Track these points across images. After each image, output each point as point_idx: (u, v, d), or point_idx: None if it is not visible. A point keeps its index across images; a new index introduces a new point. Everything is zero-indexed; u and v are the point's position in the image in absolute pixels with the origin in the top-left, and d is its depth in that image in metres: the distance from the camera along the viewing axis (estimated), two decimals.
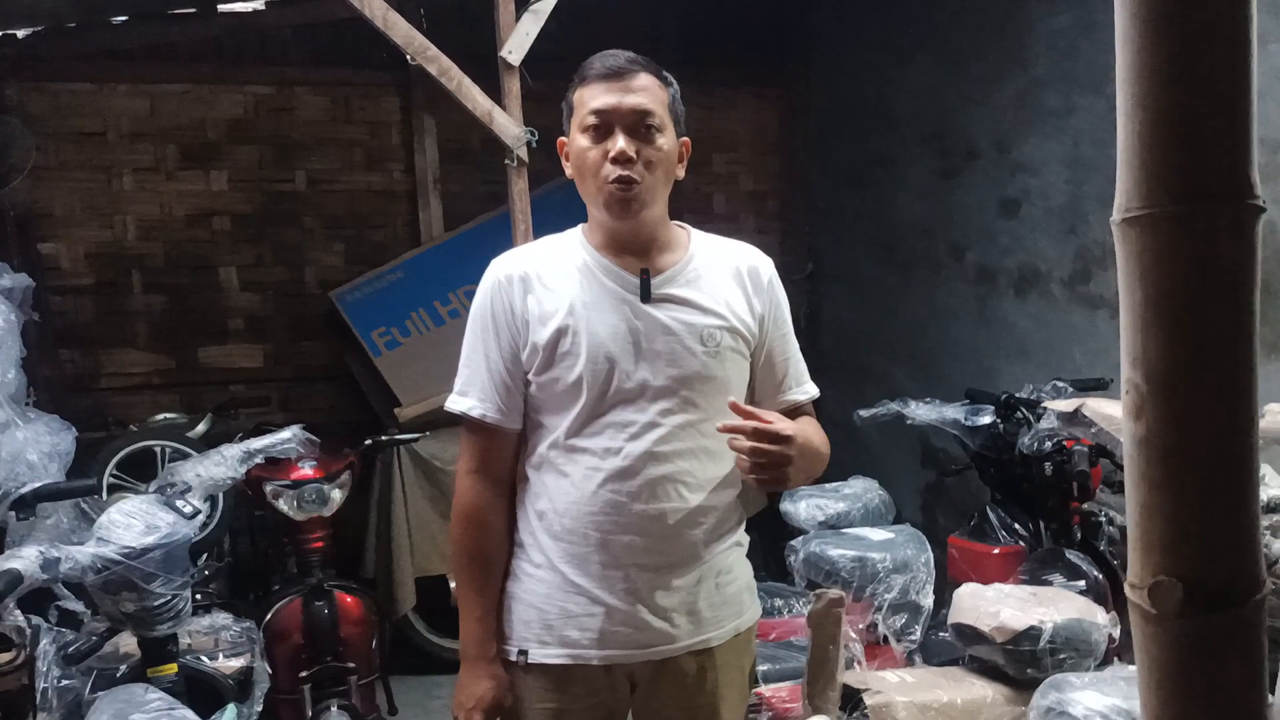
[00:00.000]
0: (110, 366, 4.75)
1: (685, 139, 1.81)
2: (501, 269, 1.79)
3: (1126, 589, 0.80)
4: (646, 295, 1.74)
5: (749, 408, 1.66)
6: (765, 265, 1.86)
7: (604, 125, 1.69)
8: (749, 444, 1.60)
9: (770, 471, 1.61)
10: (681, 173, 1.81)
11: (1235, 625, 0.74)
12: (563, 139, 1.80)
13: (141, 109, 4.70)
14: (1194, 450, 0.74)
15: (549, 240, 1.86)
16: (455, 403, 1.80)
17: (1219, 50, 0.71)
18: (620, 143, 1.67)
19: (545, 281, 1.76)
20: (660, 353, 1.73)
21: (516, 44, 2.73)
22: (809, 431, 1.75)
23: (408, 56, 2.66)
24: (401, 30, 2.61)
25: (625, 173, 1.68)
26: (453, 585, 4.25)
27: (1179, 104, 0.71)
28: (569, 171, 1.79)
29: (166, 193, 4.78)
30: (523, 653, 1.79)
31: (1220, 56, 0.71)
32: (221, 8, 4.51)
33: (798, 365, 1.90)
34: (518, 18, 2.74)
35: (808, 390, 1.89)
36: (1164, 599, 0.75)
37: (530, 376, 1.76)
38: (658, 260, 1.78)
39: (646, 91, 1.70)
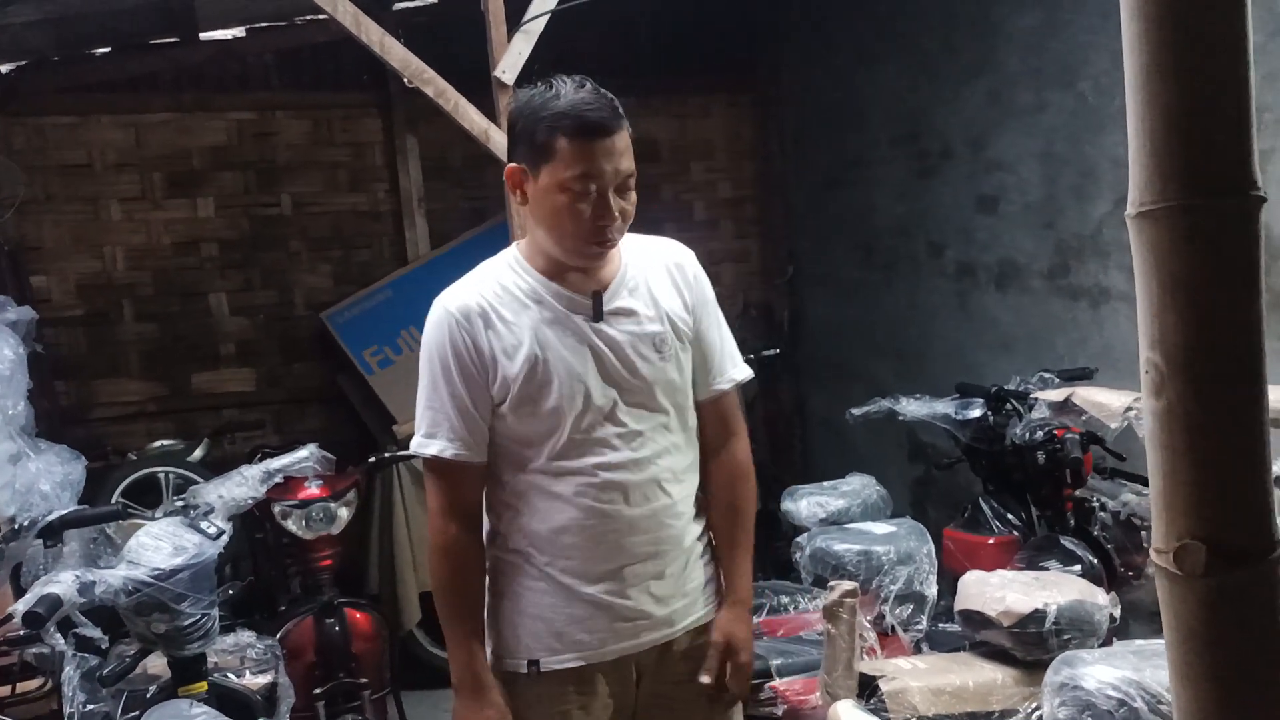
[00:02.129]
0: (104, 396, 4.76)
1: None
2: (454, 304, 1.77)
3: (1153, 553, 0.87)
4: (599, 314, 1.79)
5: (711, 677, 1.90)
6: (689, 258, 1.94)
7: (593, 188, 1.69)
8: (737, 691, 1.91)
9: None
10: None
11: (1256, 580, 0.82)
12: (514, 166, 1.76)
13: (126, 139, 4.72)
14: (1212, 421, 0.81)
15: (487, 269, 1.85)
16: (424, 446, 1.78)
17: (1221, 56, 0.78)
18: (612, 208, 1.70)
19: (501, 314, 1.77)
20: (622, 366, 1.80)
21: (510, 63, 2.79)
22: (739, 531, 1.97)
23: (405, 80, 2.71)
24: (398, 54, 2.67)
25: (611, 235, 1.73)
26: None
27: (1186, 106, 0.78)
28: (517, 200, 1.78)
29: (154, 221, 4.80)
30: (533, 663, 1.83)
31: (1222, 62, 0.78)
32: (202, 36, 4.55)
33: (722, 354, 1.95)
34: (509, 38, 2.80)
35: (733, 377, 1.95)
36: (1189, 560, 0.82)
37: (504, 410, 1.78)
38: (599, 275, 1.82)
39: (628, 152, 1.71)
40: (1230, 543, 0.81)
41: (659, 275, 1.87)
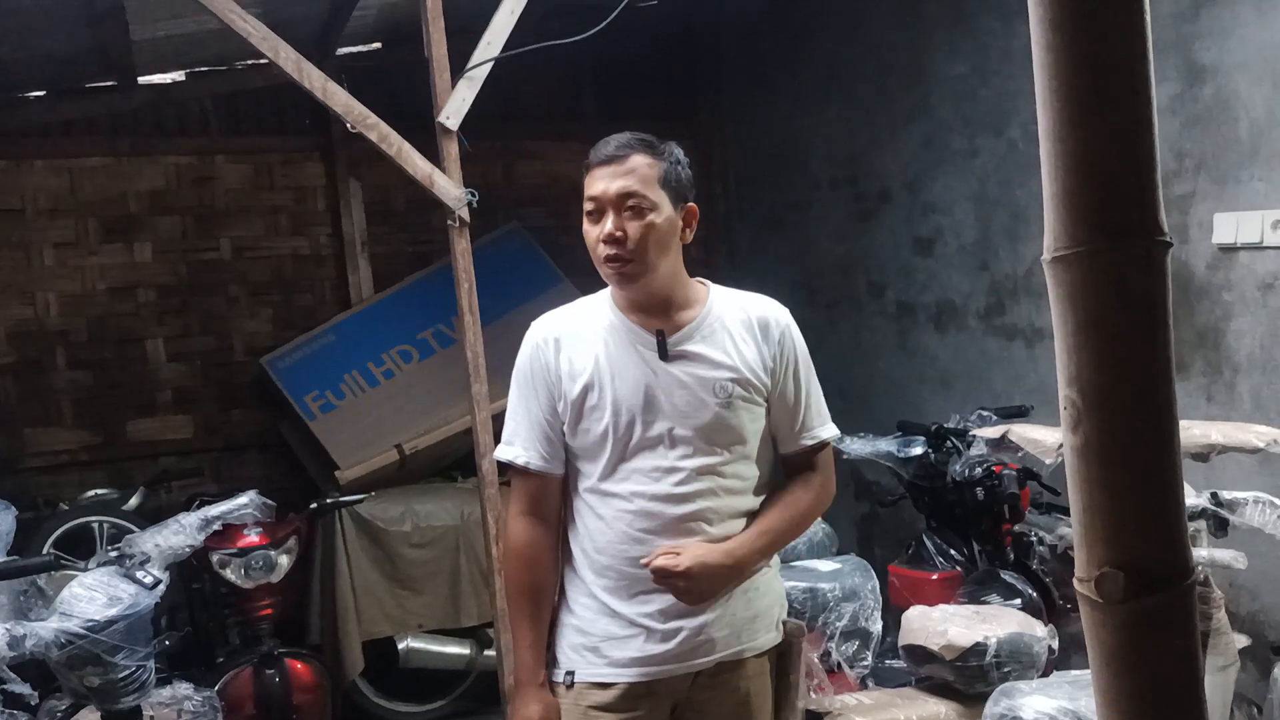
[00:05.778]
0: (35, 445, 4.64)
1: (691, 205, 1.93)
2: (539, 331, 1.97)
3: (1075, 582, 0.90)
4: (664, 353, 1.89)
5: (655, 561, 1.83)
6: (777, 317, 2.00)
7: (598, 209, 1.86)
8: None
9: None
10: (689, 236, 1.94)
11: (1172, 605, 0.85)
12: None
13: (60, 185, 4.64)
14: (1126, 454, 0.84)
15: (584, 302, 2.02)
16: (502, 451, 1.98)
17: (1126, 110, 0.82)
18: (608, 225, 1.83)
19: (575, 341, 1.93)
20: (677, 405, 1.88)
21: (453, 109, 2.81)
22: (775, 516, 1.94)
23: (347, 124, 2.72)
24: (340, 100, 2.68)
25: (613, 251, 1.84)
26: (401, 646, 4.22)
27: (1097, 158, 0.82)
28: None
29: (89, 267, 4.71)
30: (570, 673, 1.94)
31: (1128, 116, 0.82)
32: (140, 80, 4.51)
33: (810, 412, 2.01)
34: (453, 84, 2.82)
35: (816, 435, 2.02)
36: (1108, 587, 0.85)
37: (565, 429, 1.92)
38: (675, 317, 1.92)
39: (634, 173, 1.84)
40: (1147, 570, 0.84)
41: (739, 328, 1.95)
